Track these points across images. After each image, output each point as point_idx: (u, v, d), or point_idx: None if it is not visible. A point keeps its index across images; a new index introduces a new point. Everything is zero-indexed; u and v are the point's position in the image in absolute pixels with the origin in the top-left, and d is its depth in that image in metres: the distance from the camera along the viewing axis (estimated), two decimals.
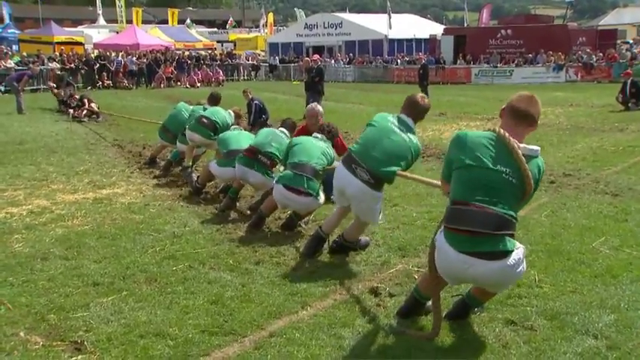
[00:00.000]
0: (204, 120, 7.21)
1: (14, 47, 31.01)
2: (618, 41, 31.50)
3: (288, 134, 5.95)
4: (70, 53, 28.27)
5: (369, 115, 4.59)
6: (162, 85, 27.97)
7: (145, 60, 28.93)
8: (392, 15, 37.23)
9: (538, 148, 3.14)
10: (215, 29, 56.15)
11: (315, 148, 5.24)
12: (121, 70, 27.96)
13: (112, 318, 3.57)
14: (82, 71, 26.84)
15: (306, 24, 41.62)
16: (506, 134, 3.07)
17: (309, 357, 3.11)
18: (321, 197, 5.24)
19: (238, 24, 58.93)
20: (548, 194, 6.60)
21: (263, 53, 41.08)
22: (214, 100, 7.90)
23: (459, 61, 30.81)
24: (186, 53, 32.99)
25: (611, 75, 26.07)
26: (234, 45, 44.20)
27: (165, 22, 45.05)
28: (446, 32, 34.85)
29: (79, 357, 3.14)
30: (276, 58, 37.49)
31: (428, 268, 3.39)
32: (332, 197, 5.30)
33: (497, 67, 29.25)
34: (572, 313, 3.55)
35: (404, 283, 4.10)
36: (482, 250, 3.02)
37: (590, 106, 16.95)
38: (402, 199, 6.45)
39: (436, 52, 32.56)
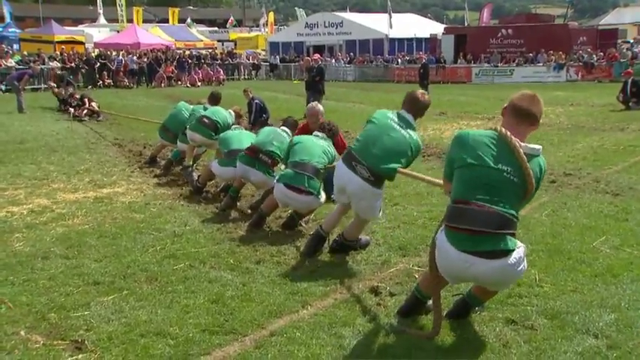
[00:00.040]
0: (206, 120, 7.21)
1: (15, 46, 31.02)
2: (619, 41, 31.50)
3: (289, 133, 5.95)
4: (71, 52, 28.29)
5: (370, 114, 4.59)
6: (162, 85, 27.98)
7: (145, 59, 28.94)
8: (392, 14, 37.19)
9: (539, 147, 3.13)
10: (216, 28, 56.11)
11: (316, 147, 5.24)
12: (122, 69, 28.00)
13: (113, 317, 3.57)
14: (83, 70, 26.86)
15: (306, 23, 41.61)
16: (508, 133, 3.07)
17: (310, 356, 3.11)
18: (322, 196, 5.23)
19: (239, 23, 58.97)
20: (549, 193, 6.60)
21: (264, 52, 41.08)
22: (215, 99, 7.90)
23: (459, 61, 30.79)
24: (187, 52, 33.02)
25: (612, 74, 26.07)
26: (235, 44, 44.22)
27: (166, 21, 45.04)
28: (446, 31, 34.80)
29: (80, 356, 3.14)
30: (277, 57, 37.47)
31: (429, 267, 3.39)
32: (332, 196, 5.31)
33: (497, 66, 29.25)
34: (572, 313, 3.54)
35: (404, 283, 4.10)
36: (483, 249, 3.02)
37: (590, 105, 16.95)
38: (403, 198, 6.45)
39: (437, 51, 32.53)
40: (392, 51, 35.97)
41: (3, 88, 21.96)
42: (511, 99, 3.21)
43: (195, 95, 16.68)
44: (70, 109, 14.92)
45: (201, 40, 40.58)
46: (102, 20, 43.26)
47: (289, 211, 5.50)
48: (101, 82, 26.73)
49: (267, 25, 48.25)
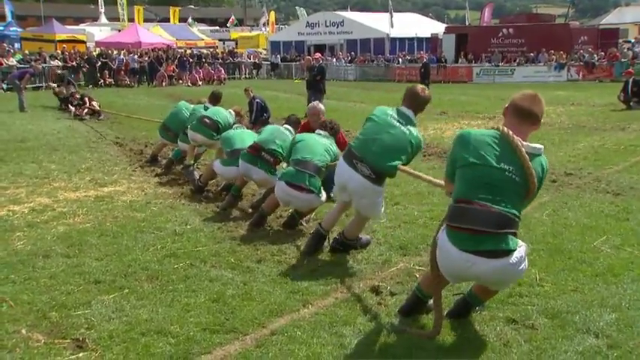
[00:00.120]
0: (207, 120, 7.21)
1: (16, 45, 30.96)
2: (620, 40, 31.42)
3: (292, 131, 5.95)
4: (72, 51, 28.25)
5: (370, 111, 4.59)
6: (163, 84, 27.96)
7: (146, 58, 28.91)
8: (393, 14, 37.09)
9: (541, 146, 3.13)
10: (217, 27, 56.06)
11: (319, 145, 5.24)
12: (123, 68, 27.98)
13: (114, 316, 3.57)
14: (84, 69, 26.84)
15: (307, 22, 41.57)
16: (510, 132, 3.07)
17: (310, 355, 3.12)
18: (323, 195, 5.23)
19: (240, 22, 58.91)
20: (550, 193, 6.60)
21: (265, 51, 41.03)
22: (215, 99, 7.89)
23: (460, 60, 30.76)
24: (188, 51, 33.02)
25: (613, 74, 26.04)
26: (236, 43, 44.21)
27: (167, 20, 45.02)
28: (447, 31, 34.77)
29: (81, 354, 3.15)
30: (278, 56, 37.43)
31: (430, 266, 3.39)
32: (332, 195, 5.31)
33: (498, 66, 29.23)
34: (573, 312, 3.55)
35: (405, 282, 4.10)
36: (485, 249, 3.02)
37: (591, 105, 16.93)
38: (404, 197, 6.45)
39: (438, 50, 32.50)
40: (393, 50, 35.94)
41: (4, 86, 21.98)
42: (512, 99, 3.21)
43: (196, 94, 16.64)
44: (71, 107, 14.93)
45: (203, 39, 40.57)
46: (103, 19, 43.23)
47: (290, 211, 5.50)
48: (102, 81, 26.72)
49: (268, 24, 48.20)
